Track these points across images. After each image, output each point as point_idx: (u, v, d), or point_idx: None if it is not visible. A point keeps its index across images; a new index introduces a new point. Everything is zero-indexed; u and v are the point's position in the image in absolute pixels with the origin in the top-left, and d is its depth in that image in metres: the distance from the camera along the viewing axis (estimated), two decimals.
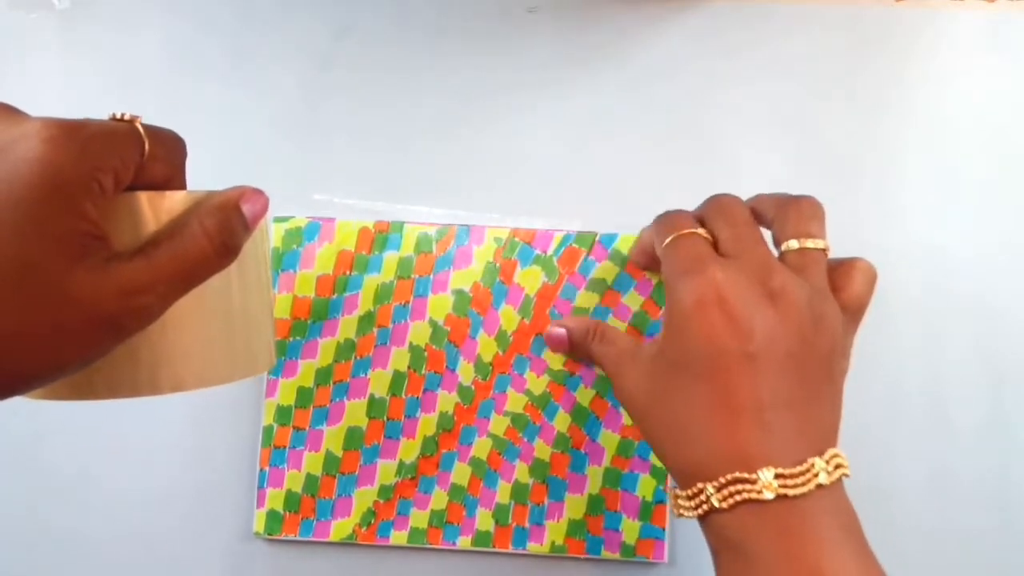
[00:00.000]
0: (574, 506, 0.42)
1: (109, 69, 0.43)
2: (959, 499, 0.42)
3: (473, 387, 0.42)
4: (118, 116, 0.29)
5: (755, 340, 0.31)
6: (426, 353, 0.42)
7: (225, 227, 0.29)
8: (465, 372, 0.42)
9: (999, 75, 0.43)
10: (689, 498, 0.31)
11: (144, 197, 0.29)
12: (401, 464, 0.42)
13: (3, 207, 0.24)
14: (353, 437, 0.42)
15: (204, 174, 0.42)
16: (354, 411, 0.42)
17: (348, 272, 0.42)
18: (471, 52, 0.44)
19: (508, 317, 0.42)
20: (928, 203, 0.43)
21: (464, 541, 0.42)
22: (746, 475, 0.30)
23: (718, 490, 0.30)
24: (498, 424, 0.42)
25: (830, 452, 0.31)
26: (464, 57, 0.44)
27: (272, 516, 0.42)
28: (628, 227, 0.42)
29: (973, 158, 0.43)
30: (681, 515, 0.32)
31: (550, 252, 0.42)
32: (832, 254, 0.42)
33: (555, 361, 0.42)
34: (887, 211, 0.43)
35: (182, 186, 0.33)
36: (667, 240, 0.34)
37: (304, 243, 0.42)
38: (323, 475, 0.42)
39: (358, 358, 0.42)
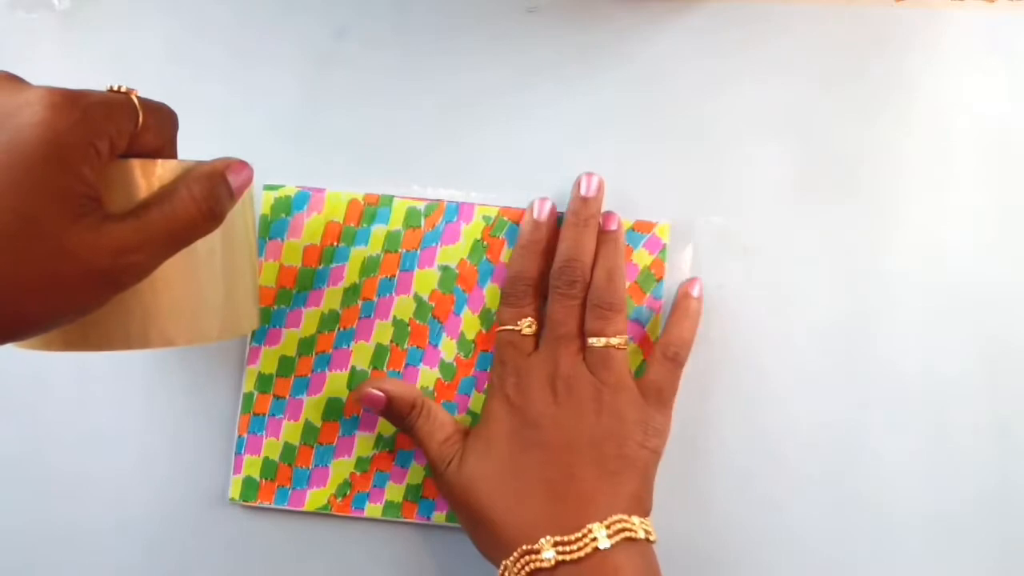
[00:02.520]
0: None
1: (109, 69, 0.44)
2: (959, 498, 0.42)
3: (455, 364, 0.42)
4: (115, 88, 0.32)
5: (542, 430, 0.38)
6: (409, 328, 0.42)
7: (211, 194, 0.31)
8: (447, 348, 0.42)
9: (999, 75, 0.43)
10: None
11: (137, 164, 0.31)
12: (379, 437, 0.42)
13: (9, 167, 0.26)
14: (333, 408, 0.42)
15: None
16: (335, 382, 0.42)
17: (335, 243, 0.42)
18: (470, 51, 0.44)
19: (493, 296, 0.42)
20: (927, 203, 0.43)
21: (439, 516, 0.42)
22: (532, 546, 0.35)
23: (514, 563, 0.35)
24: (478, 402, 0.42)
25: (614, 518, 0.35)
26: (463, 56, 0.44)
27: (248, 483, 0.42)
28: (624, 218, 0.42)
29: (973, 158, 0.43)
30: None
31: None
32: (834, 253, 0.42)
33: None
34: (886, 210, 0.43)
35: (173, 156, 0.35)
36: (499, 329, 0.41)
37: (293, 212, 0.42)
38: (301, 444, 0.42)
39: (341, 330, 0.42)
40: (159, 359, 0.43)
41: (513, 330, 0.40)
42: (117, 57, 0.44)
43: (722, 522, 0.42)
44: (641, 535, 0.36)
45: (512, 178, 0.43)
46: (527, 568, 0.35)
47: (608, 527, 0.35)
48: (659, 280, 0.42)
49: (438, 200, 0.43)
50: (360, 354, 0.42)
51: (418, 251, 0.42)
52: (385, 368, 0.42)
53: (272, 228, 0.42)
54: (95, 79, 0.43)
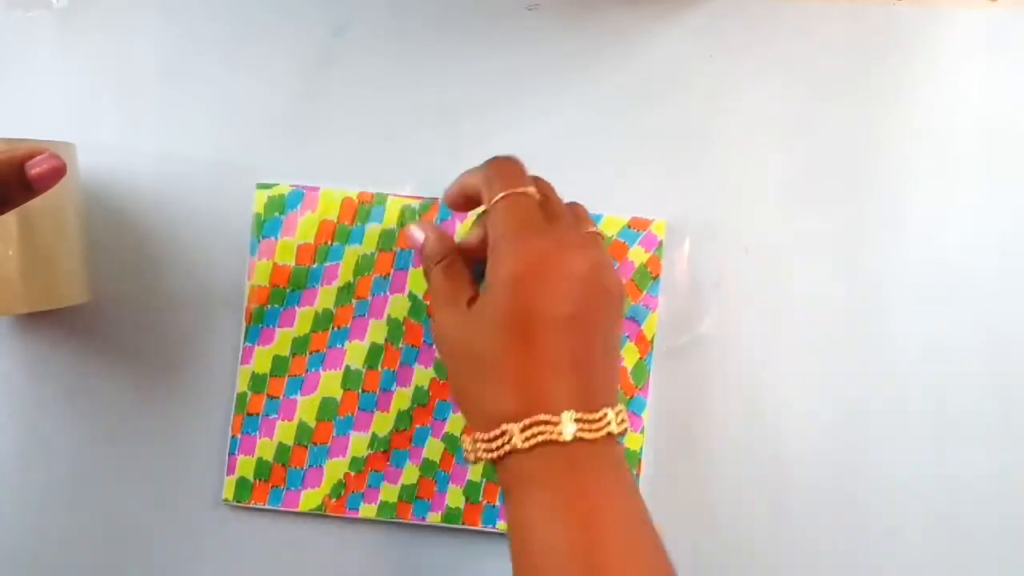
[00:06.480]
0: None
1: (107, 66, 0.43)
2: (960, 500, 0.42)
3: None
4: None
5: (569, 305, 0.33)
6: (404, 327, 0.42)
7: None
8: None
9: (999, 75, 0.43)
10: (490, 440, 0.33)
11: None
12: (374, 437, 0.42)
13: None
14: (327, 408, 0.42)
15: (202, 170, 0.42)
16: (329, 382, 0.42)
17: (329, 242, 0.42)
18: (469, 49, 0.43)
19: None
20: (928, 202, 0.43)
21: (434, 517, 0.41)
22: (549, 417, 0.32)
23: (522, 431, 0.32)
24: None
25: (619, 407, 0.33)
26: (462, 54, 0.43)
27: (242, 484, 0.42)
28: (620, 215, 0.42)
29: (973, 157, 0.43)
30: (478, 459, 0.33)
31: None
32: (832, 252, 0.42)
33: None
34: (887, 210, 0.43)
35: None
36: (497, 196, 0.35)
37: (287, 211, 0.42)
38: (295, 445, 0.42)
39: (335, 329, 0.42)
40: (152, 360, 0.42)
41: (522, 193, 0.36)
42: (114, 55, 0.44)
43: (722, 521, 0.42)
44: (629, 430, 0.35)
45: None
46: (537, 438, 0.32)
47: (617, 415, 0.33)
48: (656, 278, 0.42)
49: (433, 198, 0.42)
50: (354, 353, 0.42)
51: (413, 249, 0.42)
52: (379, 368, 0.42)
53: (265, 227, 0.42)
54: (93, 76, 0.44)
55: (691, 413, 0.42)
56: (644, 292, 0.42)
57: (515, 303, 0.34)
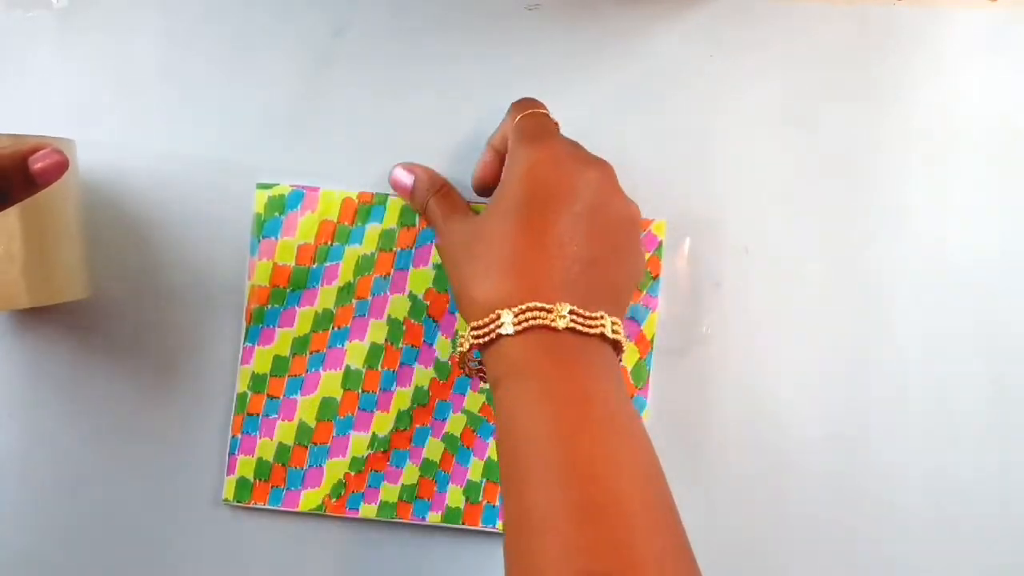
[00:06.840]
0: None
1: (107, 65, 0.43)
2: (960, 500, 0.42)
3: (450, 363, 0.42)
4: None
5: (581, 202, 0.34)
6: (404, 327, 0.42)
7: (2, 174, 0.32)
8: (442, 347, 0.42)
9: (999, 75, 0.43)
10: (480, 327, 0.33)
11: None
12: (374, 437, 0.42)
13: None
14: (327, 408, 0.42)
15: (202, 170, 0.42)
16: (329, 382, 0.42)
17: (329, 242, 0.42)
18: (470, 49, 0.43)
19: None
20: (928, 202, 0.43)
21: (434, 517, 0.42)
22: (544, 304, 0.32)
23: (515, 316, 0.32)
24: (473, 401, 0.42)
25: (616, 318, 0.33)
26: (462, 54, 0.43)
27: (242, 483, 0.42)
28: None
29: (973, 158, 0.43)
30: (468, 353, 0.33)
31: None
32: (832, 251, 0.43)
33: None
34: (887, 210, 0.43)
35: None
36: (518, 117, 0.38)
37: (287, 211, 0.42)
38: (295, 445, 0.42)
39: (335, 329, 0.42)
40: (152, 359, 0.43)
41: (539, 112, 0.38)
42: (115, 55, 0.43)
43: (722, 521, 0.42)
44: (624, 348, 0.35)
45: None
46: (530, 323, 0.32)
47: (613, 323, 0.33)
48: (655, 278, 0.42)
49: None
50: (354, 353, 0.42)
51: (413, 249, 0.42)
52: (379, 368, 0.42)
53: (266, 227, 0.42)
54: (92, 77, 0.44)
55: (691, 413, 0.42)
56: (644, 292, 0.42)
57: (530, 190, 0.34)
